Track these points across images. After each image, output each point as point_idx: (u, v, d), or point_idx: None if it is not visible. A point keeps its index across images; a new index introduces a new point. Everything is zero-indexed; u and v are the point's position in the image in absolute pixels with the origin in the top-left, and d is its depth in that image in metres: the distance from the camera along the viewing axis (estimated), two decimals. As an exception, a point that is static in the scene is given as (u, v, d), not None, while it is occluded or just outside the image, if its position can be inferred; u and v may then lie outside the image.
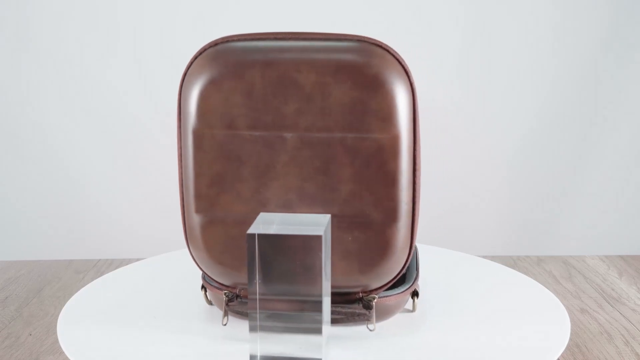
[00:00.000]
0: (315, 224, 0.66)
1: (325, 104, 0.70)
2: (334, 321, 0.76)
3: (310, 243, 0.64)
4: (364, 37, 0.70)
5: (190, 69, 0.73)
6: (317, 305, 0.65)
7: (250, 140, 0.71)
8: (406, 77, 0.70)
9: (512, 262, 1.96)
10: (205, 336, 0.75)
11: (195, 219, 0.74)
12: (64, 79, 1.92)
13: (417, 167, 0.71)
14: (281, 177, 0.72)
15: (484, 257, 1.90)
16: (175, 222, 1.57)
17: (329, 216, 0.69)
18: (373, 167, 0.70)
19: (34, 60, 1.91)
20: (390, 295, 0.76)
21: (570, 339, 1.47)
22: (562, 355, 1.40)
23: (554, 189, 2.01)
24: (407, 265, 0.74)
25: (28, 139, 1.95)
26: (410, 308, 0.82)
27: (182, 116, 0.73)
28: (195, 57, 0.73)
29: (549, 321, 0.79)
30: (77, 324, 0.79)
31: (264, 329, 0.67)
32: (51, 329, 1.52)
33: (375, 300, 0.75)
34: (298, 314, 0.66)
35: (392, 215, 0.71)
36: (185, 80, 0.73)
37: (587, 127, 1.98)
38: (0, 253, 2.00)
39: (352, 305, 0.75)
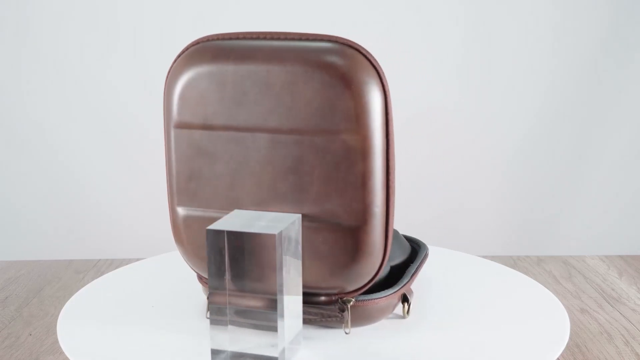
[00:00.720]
0: (278, 222, 0.67)
1: (294, 104, 0.69)
2: (308, 322, 0.75)
3: (265, 241, 0.64)
4: (336, 37, 0.69)
5: (172, 67, 0.74)
6: (273, 304, 0.66)
7: (224, 138, 0.73)
8: (377, 78, 0.68)
9: (512, 262, 1.96)
10: (205, 336, 0.75)
11: (178, 214, 0.76)
12: (64, 79, 1.92)
13: (390, 169, 0.70)
14: (254, 175, 0.72)
15: (484, 257, 1.90)
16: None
17: (298, 216, 0.69)
18: (342, 168, 0.69)
19: (34, 61, 1.91)
20: (370, 299, 0.75)
21: (571, 339, 1.47)
22: (562, 355, 1.40)
23: (553, 189, 2.02)
24: (381, 269, 0.72)
25: (28, 139, 1.95)
26: (402, 314, 0.81)
27: (165, 113, 0.75)
28: (178, 56, 0.74)
29: (548, 321, 0.79)
30: (77, 324, 0.79)
31: (227, 323, 0.68)
32: (51, 329, 1.52)
33: (352, 303, 0.74)
34: (259, 311, 0.66)
35: (361, 218, 0.69)
36: (168, 79, 0.74)
37: (587, 127, 1.98)
38: (1, 253, 2.00)
39: (329, 307, 0.74)
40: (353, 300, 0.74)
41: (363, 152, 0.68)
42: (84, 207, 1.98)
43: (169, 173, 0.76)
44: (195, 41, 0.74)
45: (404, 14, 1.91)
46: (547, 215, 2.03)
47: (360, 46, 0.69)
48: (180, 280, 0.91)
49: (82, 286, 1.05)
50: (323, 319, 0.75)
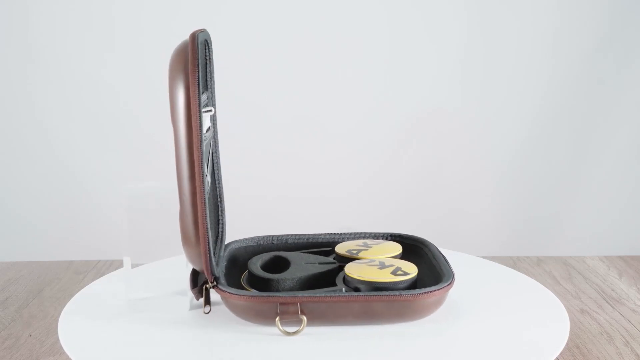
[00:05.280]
0: (154, 190, 0.79)
1: None
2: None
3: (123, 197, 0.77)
4: (195, 31, 0.72)
5: None
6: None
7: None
8: (185, 73, 0.71)
9: (512, 262, 1.96)
10: (204, 335, 0.75)
11: None
12: (65, 81, 1.92)
13: (195, 162, 0.72)
14: None
15: (484, 257, 1.90)
16: (175, 223, 1.57)
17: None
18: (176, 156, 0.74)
19: (35, 62, 1.91)
20: (230, 293, 0.75)
21: (571, 340, 1.47)
22: (562, 355, 1.40)
23: (553, 190, 2.02)
24: (205, 258, 0.74)
25: (29, 141, 1.95)
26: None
27: None
28: None
29: (548, 321, 0.80)
30: (77, 324, 0.79)
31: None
32: (51, 330, 1.52)
33: (209, 286, 0.77)
34: None
35: (179, 204, 0.75)
36: None
37: (586, 128, 1.98)
38: (1, 254, 2.00)
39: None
40: (211, 285, 0.77)
41: (176, 140, 0.73)
42: (84, 208, 1.98)
43: None
44: None
45: (406, 17, 1.91)
46: (547, 216, 2.03)
47: (193, 38, 0.71)
48: (180, 281, 0.91)
49: (82, 287, 1.05)
50: (199, 296, 0.79)
